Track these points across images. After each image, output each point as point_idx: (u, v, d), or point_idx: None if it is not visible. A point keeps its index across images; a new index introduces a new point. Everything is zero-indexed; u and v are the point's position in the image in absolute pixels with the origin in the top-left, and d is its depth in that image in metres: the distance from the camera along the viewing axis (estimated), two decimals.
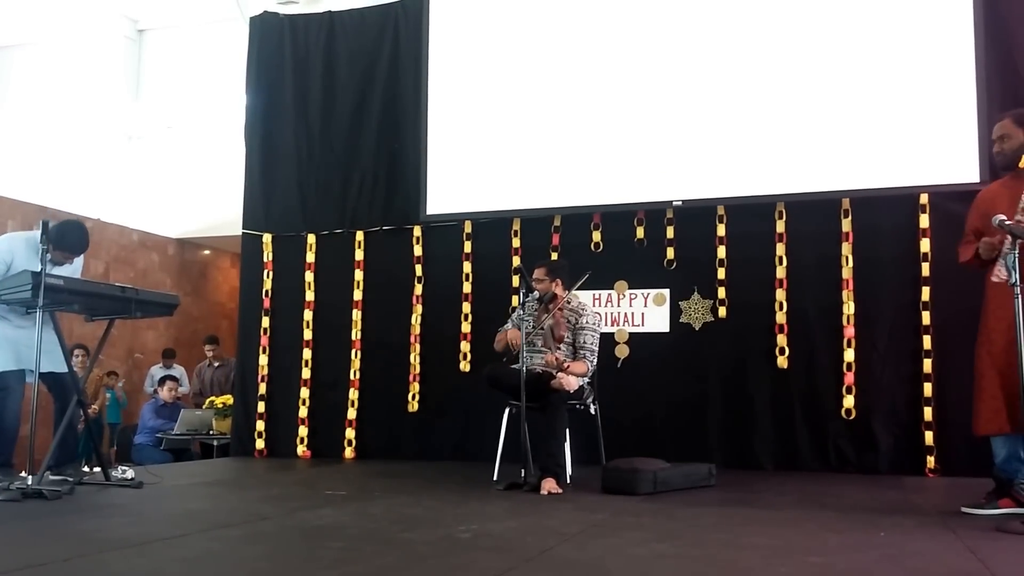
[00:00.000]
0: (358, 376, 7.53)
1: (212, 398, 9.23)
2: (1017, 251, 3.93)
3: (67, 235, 5.13)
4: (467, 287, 7.32)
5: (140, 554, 3.20)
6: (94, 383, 8.55)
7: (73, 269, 5.38)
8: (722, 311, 6.68)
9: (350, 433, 7.45)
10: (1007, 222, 3.97)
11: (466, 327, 7.27)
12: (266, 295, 7.86)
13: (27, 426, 4.81)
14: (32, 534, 3.66)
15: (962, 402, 5.99)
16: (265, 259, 7.89)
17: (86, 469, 6.04)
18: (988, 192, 4.52)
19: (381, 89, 7.71)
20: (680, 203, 6.69)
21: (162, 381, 9.55)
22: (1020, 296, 3.86)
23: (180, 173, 12.30)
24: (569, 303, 5.68)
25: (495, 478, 5.46)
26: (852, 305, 6.38)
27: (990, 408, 4.26)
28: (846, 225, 6.46)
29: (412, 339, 7.41)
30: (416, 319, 7.43)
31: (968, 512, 4.26)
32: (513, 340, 5.55)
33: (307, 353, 7.68)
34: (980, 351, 4.42)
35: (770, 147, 6.50)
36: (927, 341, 6.20)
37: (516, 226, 7.26)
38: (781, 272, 6.56)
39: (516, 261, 7.03)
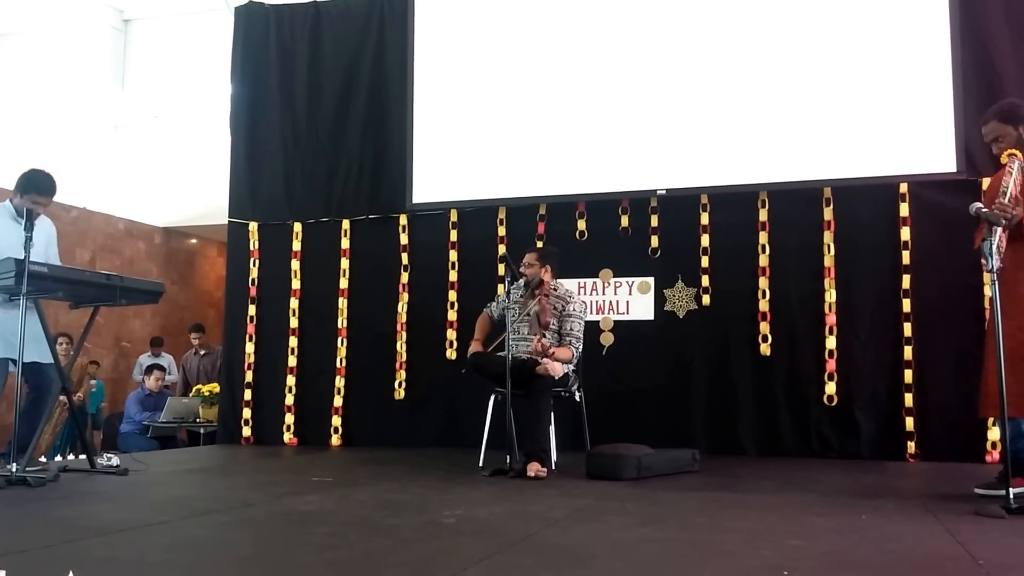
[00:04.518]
0: (344, 364, 7.54)
1: (199, 386, 9.23)
2: (995, 238, 3.97)
3: (35, 179, 5.16)
4: (453, 275, 7.34)
5: (124, 540, 3.21)
6: (78, 371, 8.52)
7: (47, 238, 5.31)
8: (706, 299, 6.72)
9: (336, 420, 7.47)
10: (983, 210, 4.01)
11: (452, 315, 7.28)
12: (252, 283, 7.86)
13: (11, 415, 4.80)
14: (14, 521, 3.66)
15: (942, 388, 6.13)
16: (251, 247, 7.89)
17: (71, 457, 6.05)
18: (996, 179, 4.52)
19: (367, 78, 7.70)
20: (664, 192, 6.72)
21: (149, 370, 9.52)
22: (997, 282, 3.91)
23: (166, 162, 12.26)
24: (556, 290, 5.70)
25: (480, 464, 5.49)
26: (834, 293, 6.43)
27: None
28: (827, 213, 6.51)
29: (398, 327, 7.42)
30: (402, 307, 7.44)
31: (981, 493, 4.23)
32: (475, 351, 5.72)
33: (293, 341, 7.68)
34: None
35: (753, 137, 6.54)
36: (907, 328, 6.26)
37: (502, 214, 7.27)
38: (764, 260, 6.61)
39: (502, 249, 7.01)
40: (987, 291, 5.64)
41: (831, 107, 6.39)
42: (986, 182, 6.02)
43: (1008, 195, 4.07)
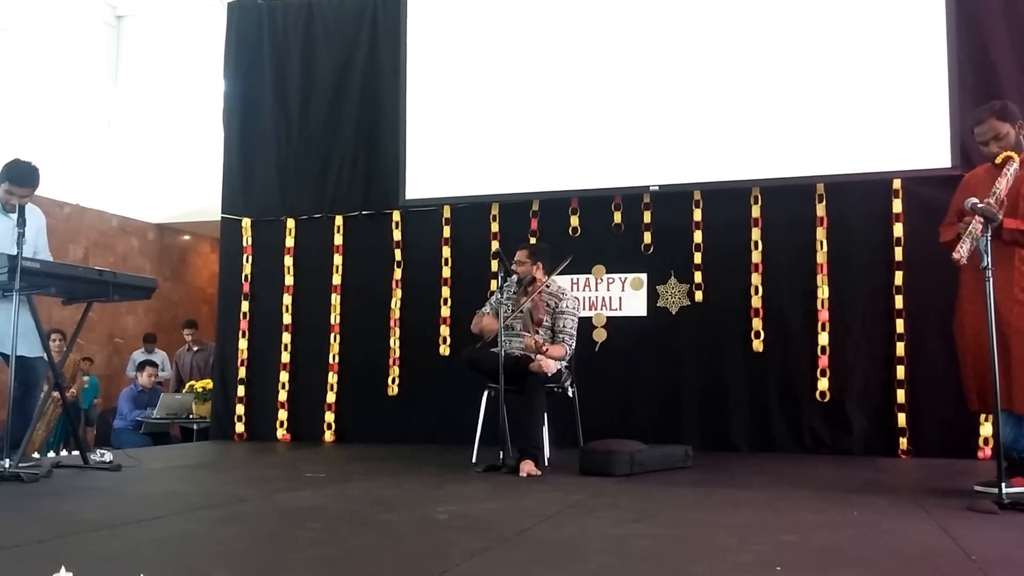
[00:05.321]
0: (337, 360, 7.55)
1: (192, 382, 9.23)
2: (989, 235, 3.98)
3: (19, 169, 5.12)
4: (446, 272, 7.33)
5: (116, 535, 3.20)
6: (72, 367, 8.52)
7: (37, 228, 5.27)
8: (698, 295, 6.73)
9: (329, 416, 7.47)
10: (979, 204, 4.01)
11: (445, 311, 7.28)
12: (245, 279, 7.86)
13: (3, 411, 4.79)
14: (7, 516, 3.65)
15: (934, 384, 6.12)
16: (244, 244, 7.88)
17: (64, 453, 6.03)
18: (974, 176, 4.53)
19: (360, 74, 7.69)
20: (657, 188, 6.72)
21: (142, 366, 9.51)
22: (991, 279, 3.92)
23: (159, 158, 12.25)
24: (548, 287, 5.69)
25: (474, 460, 5.49)
26: (826, 289, 6.44)
27: (966, 388, 4.37)
28: (820, 210, 6.51)
29: (392, 323, 7.42)
30: (396, 303, 7.44)
31: (981, 491, 4.21)
32: (488, 328, 5.59)
33: (286, 337, 7.67)
34: (955, 332, 4.50)
35: (746, 132, 6.53)
36: (900, 325, 6.27)
37: (495, 211, 7.27)
38: (756, 256, 6.61)
39: (495, 245, 7.04)
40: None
41: (824, 102, 6.39)
42: None
43: (996, 197, 4.09)
